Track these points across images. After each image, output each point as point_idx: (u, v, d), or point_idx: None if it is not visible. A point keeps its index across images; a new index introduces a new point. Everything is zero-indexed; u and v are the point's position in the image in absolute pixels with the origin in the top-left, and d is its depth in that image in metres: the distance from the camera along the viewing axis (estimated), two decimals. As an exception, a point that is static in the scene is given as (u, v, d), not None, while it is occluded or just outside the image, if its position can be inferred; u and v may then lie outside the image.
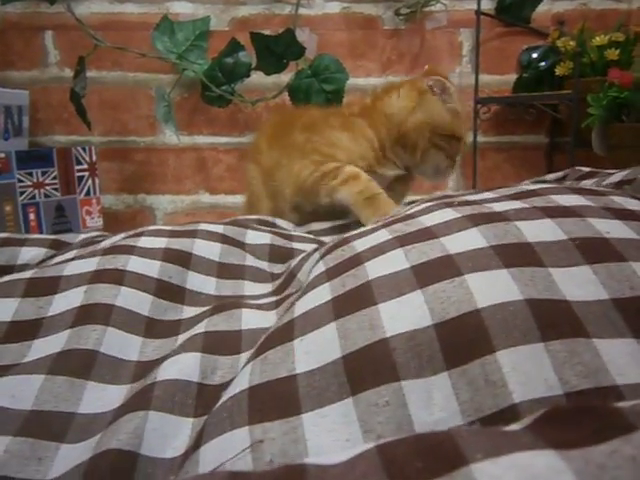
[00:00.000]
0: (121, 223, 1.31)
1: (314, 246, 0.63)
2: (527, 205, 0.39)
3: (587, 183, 0.74)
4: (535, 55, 1.23)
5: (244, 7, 1.24)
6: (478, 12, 1.18)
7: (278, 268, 0.57)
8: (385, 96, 0.83)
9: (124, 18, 1.23)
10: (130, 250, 0.50)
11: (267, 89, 1.25)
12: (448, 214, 0.40)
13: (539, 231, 0.35)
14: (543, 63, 1.23)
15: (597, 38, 1.11)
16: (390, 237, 0.39)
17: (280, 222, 0.80)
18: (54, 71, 1.26)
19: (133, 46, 1.21)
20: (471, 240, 0.35)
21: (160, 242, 0.53)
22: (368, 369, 0.28)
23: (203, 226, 0.59)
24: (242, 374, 0.30)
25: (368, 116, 0.81)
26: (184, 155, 1.29)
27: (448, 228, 0.37)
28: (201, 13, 1.22)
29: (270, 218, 0.80)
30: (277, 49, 1.10)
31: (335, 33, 1.25)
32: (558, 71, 1.18)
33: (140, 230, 0.57)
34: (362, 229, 0.43)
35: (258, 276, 0.54)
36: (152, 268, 0.48)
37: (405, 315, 0.30)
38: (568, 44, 1.16)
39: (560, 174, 0.83)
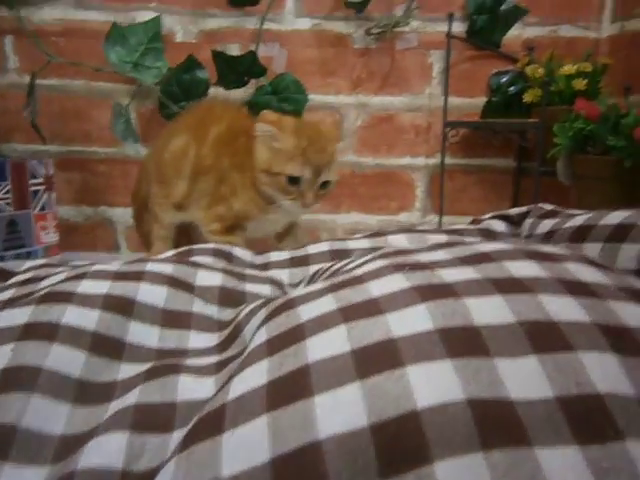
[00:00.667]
0: (80, 235, 1.27)
1: (268, 288, 0.61)
2: (479, 276, 0.38)
3: (548, 223, 0.74)
4: (504, 80, 1.23)
5: (213, 19, 1.21)
6: (449, 35, 1.17)
7: (227, 314, 0.55)
8: None
9: (87, 26, 1.19)
10: (68, 298, 0.47)
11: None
12: (397, 282, 0.38)
13: (488, 311, 0.34)
14: (512, 88, 1.23)
15: (565, 67, 1.11)
16: (335, 307, 0.37)
17: (237, 252, 0.78)
18: (13, 77, 1.21)
19: (96, 55, 1.17)
20: (417, 320, 0.33)
21: (102, 286, 0.50)
22: (297, 477, 0.26)
23: (151, 266, 0.56)
24: (164, 473, 0.28)
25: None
26: (147, 168, 1.25)
27: (395, 302, 0.36)
28: (168, 23, 1.19)
29: (227, 248, 0.78)
30: (239, 68, 1.08)
31: (305, 50, 1.23)
32: (526, 98, 1.18)
33: (82, 271, 0.54)
34: (309, 290, 0.41)
35: (204, 325, 0.52)
36: (89, 319, 0.45)
37: (341, 412, 0.28)
38: (537, 71, 1.16)
39: (524, 209, 0.82)
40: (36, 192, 1.03)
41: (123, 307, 0.49)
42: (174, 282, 0.55)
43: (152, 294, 0.52)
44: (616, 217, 0.64)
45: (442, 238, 0.78)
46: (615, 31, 1.22)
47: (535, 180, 1.11)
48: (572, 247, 0.67)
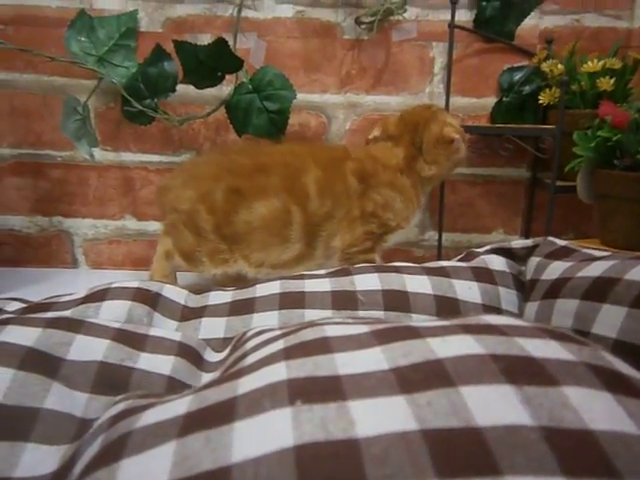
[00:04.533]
0: (34, 249, 1.14)
1: (169, 365, 0.46)
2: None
3: (558, 267, 0.57)
4: (517, 77, 1.06)
5: (181, 6, 1.05)
6: (452, 24, 1.00)
7: (96, 407, 0.40)
8: None
9: (39, 12, 1.05)
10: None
11: (207, 103, 1.07)
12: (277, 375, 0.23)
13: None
14: (526, 87, 1.05)
15: (589, 63, 0.93)
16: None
17: (168, 292, 0.63)
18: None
19: (49, 46, 1.03)
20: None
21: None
22: None
23: (7, 334, 0.42)
24: None
25: None
26: (108, 174, 1.11)
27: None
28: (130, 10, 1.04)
29: (156, 287, 0.63)
30: (208, 61, 0.92)
31: (287, 41, 1.07)
32: (542, 99, 1.00)
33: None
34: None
35: (55, 430, 0.37)
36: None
37: None
38: (556, 68, 0.98)
39: (529, 243, 0.66)
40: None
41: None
42: (30, 359, 0.40)
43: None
44: (649, 271, 0.47)
45: (422, 280, 0.62)
46: (651, 20, 1.04)
47: (549, 198, 0.94)
48: (587, 308, 0.50)
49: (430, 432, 0.24)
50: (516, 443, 0.23)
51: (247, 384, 0.29)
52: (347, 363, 0.30)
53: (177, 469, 0.24)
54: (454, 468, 0.22)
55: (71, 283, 1.07)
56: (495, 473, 0.22)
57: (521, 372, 0.28)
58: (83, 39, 1.00)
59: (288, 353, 0.32)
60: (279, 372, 0.29)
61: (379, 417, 0.25)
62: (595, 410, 0.26)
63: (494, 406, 0.25)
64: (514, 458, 0.22)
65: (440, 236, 1.09)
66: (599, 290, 0.49)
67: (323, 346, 0.32)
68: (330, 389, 0.27)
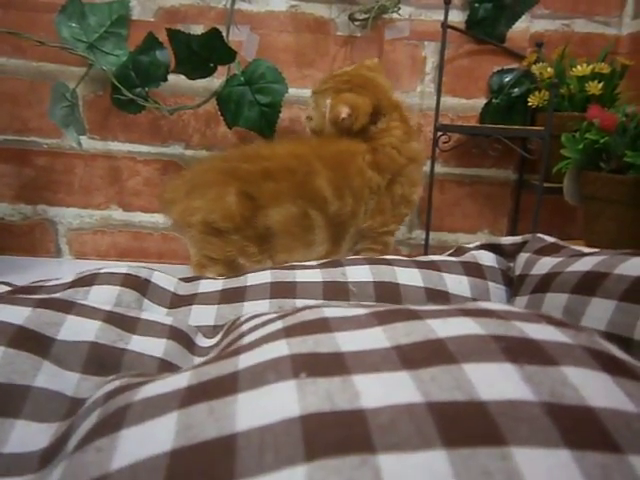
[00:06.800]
0: (17, 237, 1.12)
1: (161, 347, 0.46)
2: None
3: (547, 263, 0.58)
4: (507, 79, 1.07)
5: (174, -5, 1.05)
6: (444, 25, 1.01)
7: (87, 387, 0.39)
8: None
9: (28, -4, 1.03)
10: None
11: (198, 94, 1.07)
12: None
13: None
14: (516, 89, 1.07)
15: (578, 67, 0.95)
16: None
17: (158, 279, 0.62)
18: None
19: (39, 30, 1.01)
20: None
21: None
22: None
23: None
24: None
25: None
26: (95, 163, 1.10)
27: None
28: (122, -2, 1.04)
29: (145, 273, 0.62)
30: (201, 52, 0.91)
31: (280, 35, 1.07)
32: (531, 101, 1.02)
33: None
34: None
35: (45, 407, 0.36)
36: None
37: None
38: (545, 71, 0.99)
39: (518, 240, 0.67)
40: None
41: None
42: (20, 337, 0.40)
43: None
44: (637, 266, 0.48)
45: (413, 273, 0.62)
46: (637, 28, 1.06)
47: (536, 199, 0.95)
48: (576, 302, 0.51)
49: (435, 404, 0.24)
50: (520, 416, 0.24)
51: (248, 359, 0.29)
52: (348, 341, 0.30)
53: (180, 437, 0.23)
54: (461, 438, 0.22)
55: (54, 272, 1.05)
56: (501, 444, 0.22)
57: (521, 352, 0.28)
58: (74, 25, 0.99)
59: (288, 332, 0.32)
60: (280, 348, 0.29)
61: (384, 390, 0.25)
62: (594, 388, 0.26)
63: (497, 382, 0.25)
64: (519, 430, 0.23)
65: (427, 235, 1.10)
66: (588, 284, 0.50)
67: (323, 326, 0.32)
68: (333, 364, 0.27)
